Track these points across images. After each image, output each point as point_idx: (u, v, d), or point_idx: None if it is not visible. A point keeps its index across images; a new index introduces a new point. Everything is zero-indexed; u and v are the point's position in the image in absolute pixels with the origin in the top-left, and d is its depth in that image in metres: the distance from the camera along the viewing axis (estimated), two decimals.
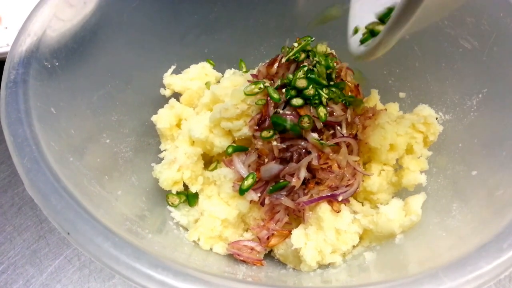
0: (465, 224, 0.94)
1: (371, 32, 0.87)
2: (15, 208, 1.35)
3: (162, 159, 1.22)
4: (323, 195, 1.04)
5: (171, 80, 1.31)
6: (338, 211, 1.04)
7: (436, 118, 1.18)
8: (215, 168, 1.18)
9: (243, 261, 1.08)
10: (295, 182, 1.03)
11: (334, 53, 1.20)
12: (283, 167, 1.04)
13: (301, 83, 1.02)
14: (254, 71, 1.19)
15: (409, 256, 1.00)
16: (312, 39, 1.12)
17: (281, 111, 1.04)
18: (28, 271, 1.24)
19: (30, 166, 0.78)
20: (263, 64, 1.16)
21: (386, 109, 1.19)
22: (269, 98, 1.05)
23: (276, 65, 1.12)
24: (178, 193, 1.16)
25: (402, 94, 1.32)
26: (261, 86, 1.07)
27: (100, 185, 0.95)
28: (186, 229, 1.14)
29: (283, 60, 1.11)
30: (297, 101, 1.03)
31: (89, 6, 1.08)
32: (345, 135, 1.06)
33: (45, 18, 0.98)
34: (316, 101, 1.03)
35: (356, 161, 1.07)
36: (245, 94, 1.07)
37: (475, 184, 1.03)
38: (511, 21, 1.05)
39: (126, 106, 1.19)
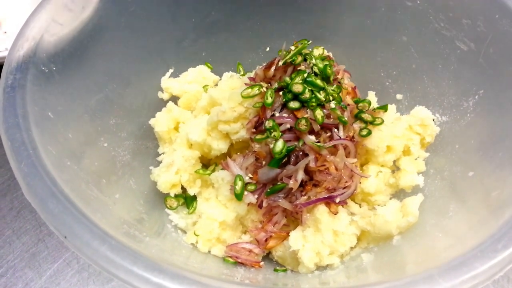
0: (461, 225, 0.95)
1: None
2: (14, 212, 1.36)
3: (160, 162, 1.22)
4: (321, 197, 1.04)
5: (169, 84, 1.31)
6: (336, 213, 1.04)
7: (433, 120, 1.19)
8: (213, 170, 1.18)
9: (242, 263, 1.08)
10: (292, 184, 1.03)
11: (331, 56, 1.20)
12: (280, 169, 1.05)
13: (297, 88, 1.03)
14: (252, 74, 1.19)
15: (407, 257, 1.00)
16: (309, 42, 1.12)
17: (278, 114, 1.05)
18: (27, 274, 1.24)
19: (27, 170, 0.78)
20: (261, 67, 1.16)
21: (383, 111, 1.19)
22: None
23: (273, 68, 1.12)
24: (176, 196, 1.16)
25: (399, 96, 1.33)
26: (258, 89, 1.07)
27: (97, 189, 0.95)
28: (184, 232, 1.15)
29: (280, 63, 1.11)
30: (294, 104, 1.04)
31: (87, 11, 1.08)
32: (342, 137, 1.06)
33: (42, 23, 0.99)
34: (313, 104, 1.03)
35: (353, 163, 1.08)
36: (243, 97, 1.07)
37: (472, 185, 1.03)
38: (506, 22, 1.05)
39: (124, 110, 1.19)
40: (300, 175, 1.03)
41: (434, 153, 1.20)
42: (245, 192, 1.07)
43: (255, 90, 1.07)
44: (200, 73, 1.36)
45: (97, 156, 1.05)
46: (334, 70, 1.12)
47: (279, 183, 1.05)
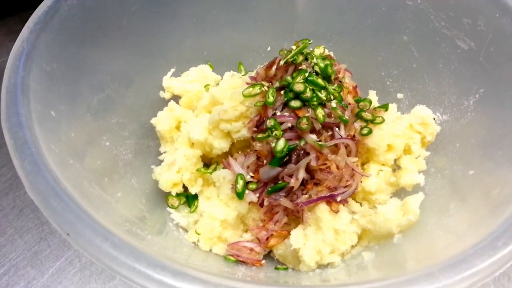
0: (461, 223, 0.95)
1: None
2: (16, 211, 1.36)
3: (161, 161, 1.23)
4: (322, 195, 1.04)
5: (171, 83, 1.32)
6: (337, 212, 1.05)
7: (434, 119, 1.19)
8: (215, 169, 1.18)
9: (243, 262, 1.08)
10: (293, 183, 1.04)
11: (332, 55, 1.20)
12: (282, 168, 1.05)
13: (298, 87, 1.03)
14: (253, 74, 1.20)
15: (407, 255, 1.00)
16: (310, 42, 1.12)
17: (279, 113, 1.05)
18: (29, 273, 1.25)
19: (30, 168, 0.78)
20: (262, 66, 1.17)
21: (384, 110, 1.19)
22: None
23: (274, 67, 1.12)
24: (177, 195, 1.17)
25: (400, 95, 1.33)
26: (260, 88, 1.08)
27: (100, 187, 0.96)
28: (186, 230, 1.15)
29: (282, 62, 1.11)
30: (295, 103, 1.04)
31: (89, 11, 1.08)
32: (343, 136, 1.06)
33: (45, 22, 0.99)
34: (315, 103, 1.03)
35: (354, 162, 1.08)
36: (244, 96, 1.08)
37: (472, 184, 1.03)
38: (507, 21, 1.05)
39: (126, 109, 1.20)
40: (301, 174, 1.04)
41: (434, 152, 1.20)
42: (246, 191, 1.07)
43: (257, 89, 1.08)
44: (201, 73, 1.36)
45: (99, 155, 1.06)
46: (335, 69, 1.13)
47: (280, 182, 1.06)
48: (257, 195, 1.08)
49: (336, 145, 1.05)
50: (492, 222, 0.80)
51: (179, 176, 1.15)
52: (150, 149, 1.27)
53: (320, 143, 1.02)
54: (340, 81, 1.13)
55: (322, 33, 1.37)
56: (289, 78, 1.07)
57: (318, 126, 1.04)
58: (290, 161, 1.05)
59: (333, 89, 1.08)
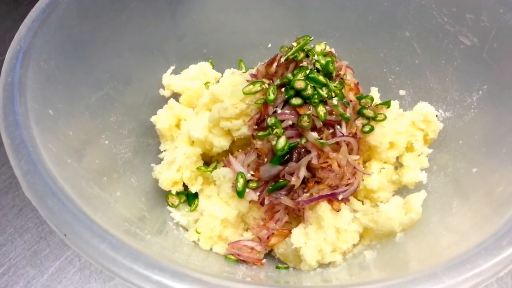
0: (465, 222, 0.94)
1: None
2: (16, 210, 1.36)
3: (161, 159, 1.22)
4: (323, 194, 1.04)
5: (170, 81, 1.31)
6: (338, 210, 1.04)
7: (436, 116, 1.18)
8: (215, 168, 1.18)
9: (243, 261, 1.08)
10: (294, 181, 1.03)
11: (334, 52, 1.19)
12: (282, 166, 1.04)
13: (299, 84, 1.02)
14: (253, 71, 1.19)
15: (410, 255, 1.00)
16: (311, 39, 1.11)
17: (280, 111, 1.04)
18: (29, 272, 1.25)
19: (27, 168, 0.78)
20: (262, 63, 1.16)
21: (386, 107, 1.18)
22: None
23: (275, 64, 1.11)
24: (177, 194, 1.16)
25: (402, 92, 1.32)
26: (260, 85, 1.07)
27: (98, 187, 0.95)
28: (186, 230, 1.15)
29: (282, 59, 1.10)
30: (296, 101, 1.03)
31: (87, 8, 1.08)
32: (345, 134, 1.05)
33: (43, 20, 0.98)
34: (316, 100, 1.03)
35: (356, 160, 1.07)
36: (244, 93, 1.07)
37: (476, 182, 1.03)
38: (510, 17, 1.04)
39: (125, 107, 1.19)
40: (303, 172, 1.03)
41: (437, 150, 1.19)
42: (247, 190, 1.06)
43: (257, 87, 1.07)
44: (201, 70, 1.36)
45: (98, 154, 1.05)
46: (336, 66, 1.12)
47: (281, 180, 1.05)
48: (258, 193, 1.07)
49: (337, 143, 1.04)
50: (496, 221, 0.79)
51: (179, 175, 1.14)
52: (150, 147, 1.27)
53: (321, 141, 1.02)
54: (341, 78, 1.12)
55: (323, 29, 1.36)
56: (290, 75, 1.06)
57: (319, 124, 1.03)
58: (291, 159, 1.04)
59: (335, 86, 1.07)
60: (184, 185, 1.18)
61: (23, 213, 1.35)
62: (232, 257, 1.08)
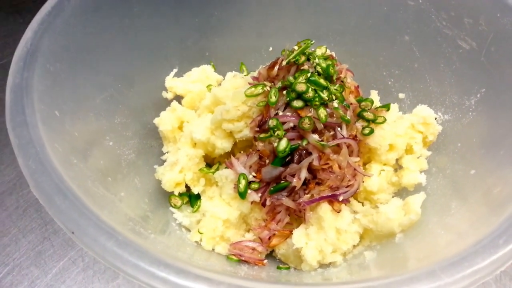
0: (463, 222, 0.95)
1: None
2: (20, 210, 1.37)
3: (164, 161, 1.23)
4: (324, 195, 1.05)
5: (173, 83, 1.32)
6: (339, 211, 1.05)
7: (435, 118, 1.19)
8: (217, 169, 1.19)
9: (245, 261, 1.09)
10: (296, 182, 1.04)
11: (334, 55, 1.21)
12: (284, 168, 1.06)
13: (300, 87, 1.04)
14: (255, 74, 1.20)
15: (409, 255, 1.01)
16: (312, 42, 1.13)
17: (281, 113, 1.06)
18: (33, 272, 1.26)
19: (35, 167, 0.79)
20: (264, 66, 1.17)
21: (386, 110, 1.20)
22: None
23: (276, 67, 1.13)
24: (180, 195, 1.17)
25: (401, 95, 1.34)
26: (262, 88, 1.08)
27: (103, 187, 0.96)
28: (188, 230, 1.16)
29: (284, 62, 1.12)
30: (297, 103, 1.04)
31: (92, 11, 1.09)
32: (345, 136, 1.06)
33: (48, 22, 1.00)
34: (317, 103, 1.04)
35: (356, 161, 1.09)
36: (246, 95, 1.08)
37: (474, 183, 1.04)
38: (508, 21, 1.06)
39: (128, 109, 1.20)
40: (304, 174, 1.04)
41: (436, 152, 1.21)
42: (249, 191, 1.07)
43: (259, 89, 1.08)
44: (203, 73, 1.37)
45: (103, 155, 1.06)
46: (337, 69, 1.13)
47: (282, 181, 1.06)
48: (260, 194, 1.08)
49: (338, 145, 1.05)
50: (493, 221, 0.81)
51: (182, 176, 1.16)
52: (153, 149, 1.28)
53: (322, 143, 1.03)
54: (342, 81, 1.13)
55: (324, 33, 1.37)
56: (291, 78, 1.07)
57: (320, 126, 1.04)
58: (292, 160, 1.05)
59: (335, 89, 1.08)
60: (187, 186, 1.19)
61: (27, 214, 1.36)
62: (234, 257, 1.09)
